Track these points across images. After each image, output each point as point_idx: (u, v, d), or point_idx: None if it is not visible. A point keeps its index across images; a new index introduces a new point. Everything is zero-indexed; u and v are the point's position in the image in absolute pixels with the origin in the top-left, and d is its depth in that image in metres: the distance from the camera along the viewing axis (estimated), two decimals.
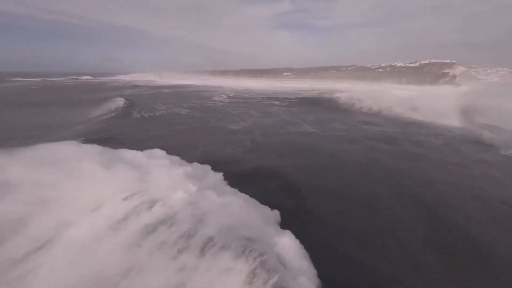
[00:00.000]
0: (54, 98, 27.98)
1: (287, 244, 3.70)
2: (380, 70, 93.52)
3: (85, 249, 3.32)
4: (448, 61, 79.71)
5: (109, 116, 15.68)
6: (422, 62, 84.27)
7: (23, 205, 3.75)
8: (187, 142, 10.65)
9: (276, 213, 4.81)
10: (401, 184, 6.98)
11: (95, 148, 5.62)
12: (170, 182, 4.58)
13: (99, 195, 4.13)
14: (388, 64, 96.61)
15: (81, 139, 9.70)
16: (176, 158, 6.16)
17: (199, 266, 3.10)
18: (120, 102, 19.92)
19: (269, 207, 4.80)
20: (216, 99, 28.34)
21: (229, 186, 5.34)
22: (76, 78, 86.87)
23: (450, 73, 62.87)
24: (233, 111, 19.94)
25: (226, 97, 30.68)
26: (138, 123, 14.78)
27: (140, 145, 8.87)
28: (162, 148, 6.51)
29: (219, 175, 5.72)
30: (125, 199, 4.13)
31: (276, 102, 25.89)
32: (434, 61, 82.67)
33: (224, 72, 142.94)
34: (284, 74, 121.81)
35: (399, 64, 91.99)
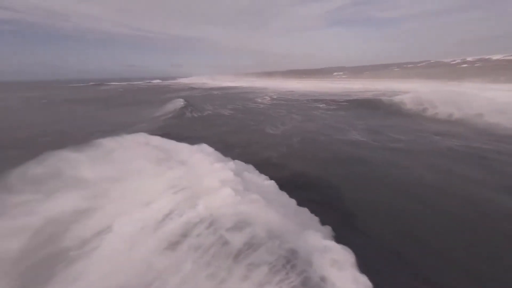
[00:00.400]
0: (130, 99, 34.80)
1: (336, 259, 3.17)
2: (464, 65, 74.32)
3: (129, 244, 3.49)
4: None
5: (168, 116, 18.23)
6: None
7: (85, 198, 4.34)
8: (226, 144, 11.15)
9: (328, 228, 4.27)
10: (494, 229, 4.59)
11: (155, 142, 6.51)
12: (217, 179, 4.53)
13: (151, 189, 4.46)
14: (477, 57, 75.73)
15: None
16: (222, 156, 6.24)
17: (232, 275, 2.86)
18: (178, 103, 22.85)
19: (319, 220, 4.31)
20: (259, 100, 28.83)
21: (278, 189, 5.03)
22: (149, 82, 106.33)
23: None
24: (274, 113, 19.78)
25: (269, 98, 30.83)
26: (189, 123, 16.63)
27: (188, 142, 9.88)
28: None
29: (268, 179, 5.40)
30: (173, 193, 4.29)
31: (321, 105, 24.21)
32: None
33: (270, 74, 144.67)
34: (335, 74, 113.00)
35: (495, 57, 70.66)
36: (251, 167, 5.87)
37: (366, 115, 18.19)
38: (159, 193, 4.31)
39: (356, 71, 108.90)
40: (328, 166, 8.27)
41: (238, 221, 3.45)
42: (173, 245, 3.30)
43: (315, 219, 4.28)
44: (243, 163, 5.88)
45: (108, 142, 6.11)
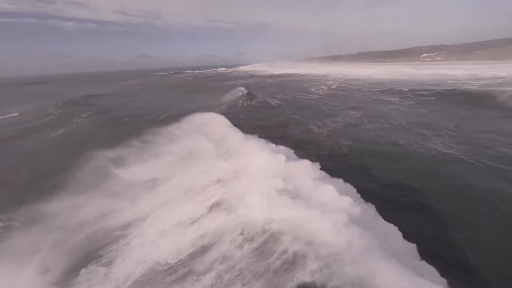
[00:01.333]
0: (199, 86, 38.69)
1: None
2: None
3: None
4: None
5: (228, 105, 19.03)
6: None
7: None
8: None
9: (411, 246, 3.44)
10: None
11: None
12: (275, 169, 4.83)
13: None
14: None
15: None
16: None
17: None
18: (239, 92, 23.33)
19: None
20: (313, 90, 25.70)
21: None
22: (215, 70, 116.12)
23: None
24: (327, 107, 17.00)
25: (326, 88, 27.04)
26: (241, 110, 17.00)
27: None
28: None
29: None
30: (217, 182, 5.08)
31: (393, 98, 19.00)
32: None
33: (335, 58, 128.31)
34: (423, 55, 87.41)
35: None
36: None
37: (462, 115, 12.72)
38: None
39: (461, 50, 79.91)
40: (383, 188, 6.08)
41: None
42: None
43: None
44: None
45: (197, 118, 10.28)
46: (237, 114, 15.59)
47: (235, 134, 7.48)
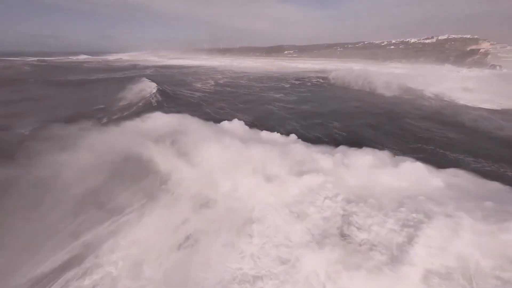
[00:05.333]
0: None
1: None
2: (392, 47, 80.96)
3: None
4: (469, 36, 67.14)
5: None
6: (439, 38, 71.41)
7: None
8: None
9: None
10: None
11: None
12: None
13: None
14: (400, 40, 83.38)
15: None
16: None
17: None
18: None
19: None
20: (198, 86, 21.36)
21: None
22: (71, 58, 74.46)
23: (481, 50, 51.79)
24: (211, 107, 13.51)
25: (213, 83, 23.60)
26: None
27: None
28: None
29: None
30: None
31: (278, 95, 19.03)
32: (454, 36, 69.92)
33: (221, 50, 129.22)
34: (286, 52, 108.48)
35: (413, 40, 78.98)
36: None
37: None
38: None
39: (304, 49, 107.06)
40: None
41: None
42: None
43: None
44: None
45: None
46: None
47: None
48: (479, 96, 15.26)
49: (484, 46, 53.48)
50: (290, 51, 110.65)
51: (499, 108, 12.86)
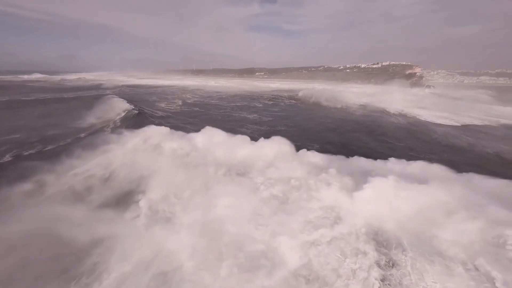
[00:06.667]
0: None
1: None
2: (347, 70, 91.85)
3: None
4: (404, 62, 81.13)
5: None
6: (383, 64, 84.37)
7: None
8: None
9: None
10: None
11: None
12: None
13: None
14: (353, 65, 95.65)
15: None
16: None
17: None
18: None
19: None
20: (162, 106, 18.79)
21: None
22: (24, 77, 61.63)
23: (417, 74, 62.28)
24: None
25: (181, 103, 21.29)
26: None
27: None
28: None
29: None
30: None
31: (251, 115, 17.67)
32: (393, 62, 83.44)
33: (195, 71, 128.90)
34: (257, 74, 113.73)
35: (363, 66, 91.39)
36: None
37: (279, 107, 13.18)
38: None
39: (274, 72, 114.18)
40: None
41: None
42: None
43: None
44: None
45: None
46: None
47: None
48: (433, 113, 16.44)
49: (417, 70, 64.47)
50: (261, 73, 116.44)
51: (458, 124, 13.72)
